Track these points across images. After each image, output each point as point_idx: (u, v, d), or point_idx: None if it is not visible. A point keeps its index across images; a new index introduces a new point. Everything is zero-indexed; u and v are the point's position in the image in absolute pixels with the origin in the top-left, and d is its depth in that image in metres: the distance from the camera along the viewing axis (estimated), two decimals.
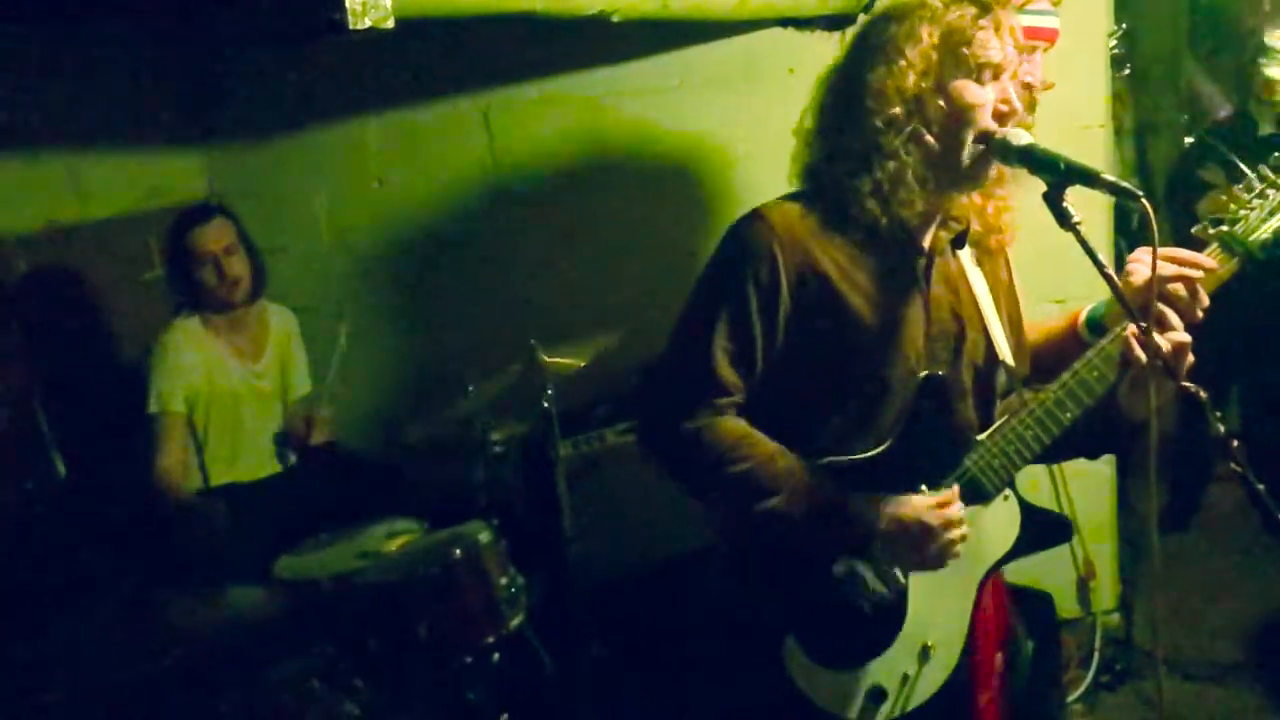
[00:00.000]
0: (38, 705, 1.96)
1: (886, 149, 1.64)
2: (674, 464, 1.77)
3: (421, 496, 3.16)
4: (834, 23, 3.14)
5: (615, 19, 2.68)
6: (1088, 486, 3.30)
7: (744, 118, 3.35)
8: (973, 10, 1.62)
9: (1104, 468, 3.35)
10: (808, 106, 1.77)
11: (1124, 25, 4.45)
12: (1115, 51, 3.91)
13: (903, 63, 1.62)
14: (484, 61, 3.47)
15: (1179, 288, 1.69)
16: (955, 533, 1.69)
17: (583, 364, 2.68)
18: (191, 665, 2.16)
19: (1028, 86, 2.25)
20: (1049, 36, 2.38)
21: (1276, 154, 1.75)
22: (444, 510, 2.85)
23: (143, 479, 2.91)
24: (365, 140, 3.66)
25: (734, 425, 1.72)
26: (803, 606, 1.75)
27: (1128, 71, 4.91)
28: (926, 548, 1.69)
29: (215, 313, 3.07)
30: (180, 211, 3.13)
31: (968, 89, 1.63)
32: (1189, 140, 4.86)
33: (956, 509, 1.70)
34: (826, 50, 3.16)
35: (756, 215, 1.71)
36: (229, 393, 3.06)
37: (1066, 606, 3.34)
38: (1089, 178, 1.54)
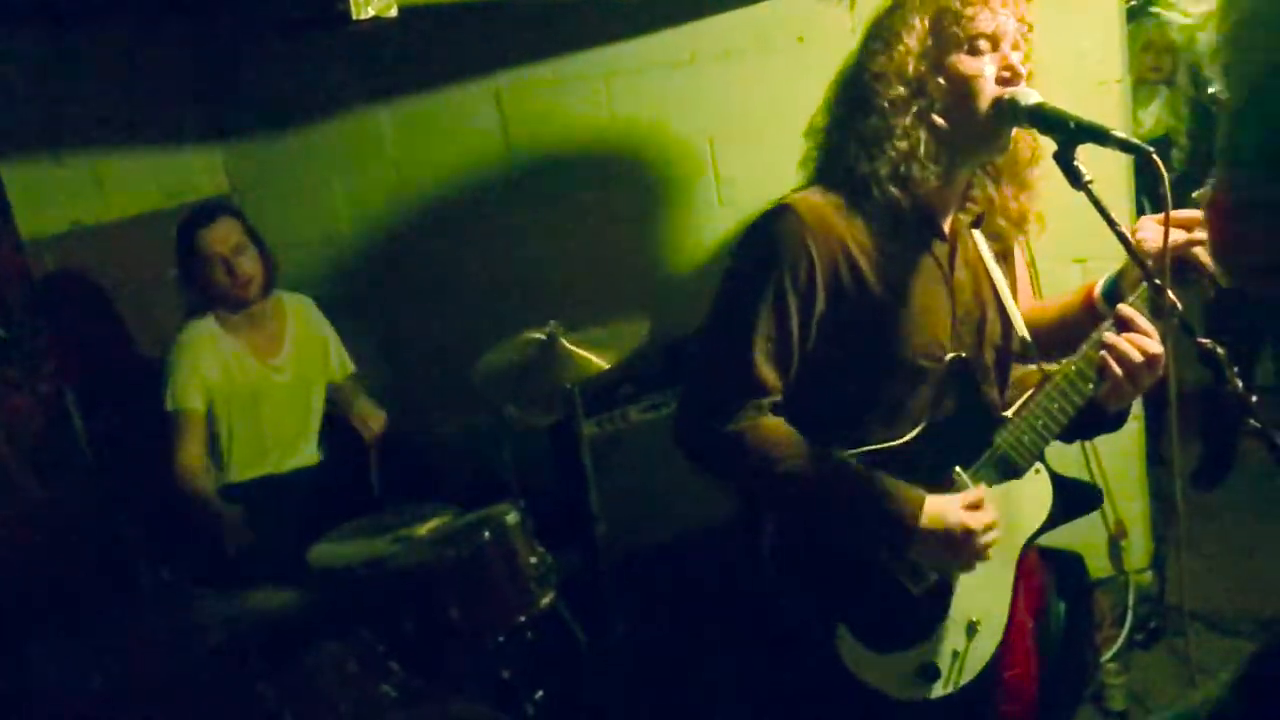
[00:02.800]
0: (78, 696, 2.01)
1: (896, 130, 1.66)
2: (715, 466, 1.78)
3: (451, 480, 3.20)
4: None
5: None
6: (1116, 446, 3.28)
7: (757, 89, 3.34)
8: None
9: (1132, 424, 3.33)
10: (819, 108, 1.79)
11: None
12: (1131, 3, 3.85)
13: (900, 48, 1.66)
14: (494, 43, 3.48)
15: (1197, 252, 1.69)
16: (989, 536, 1.72)
17: (607, 367, 2.66)
18: (228, 652, 2.20)
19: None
20: None
21: None
22: (473, 493, 2.89)
23: (165, 475, 2.96)
24: (379, 128, 3.69)
25: (774, 425, 1.73)
26: (852, 596, 1.77)
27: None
28: (962, 550, 1.71)
29: (229, 312, 3.08)
30: (185, 213, 3.12)
31: (963, 63, 1.64)
32: None
33: (989, 512, 1.73)
34: (834, 17, 3.14)
35: (786, 209, 1.71)
36: (248, 389, 3.08)
37: (1099, 566, 3.33)
38: (1099, 135, 1.53)
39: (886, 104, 1.65)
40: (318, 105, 3.69)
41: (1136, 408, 3.26)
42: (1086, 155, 1.58)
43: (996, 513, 1.74)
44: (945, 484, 1.76)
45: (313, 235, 3.76)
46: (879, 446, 1.75)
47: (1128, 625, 3.25)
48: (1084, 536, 3.25)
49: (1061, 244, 2.98)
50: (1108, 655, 3.15)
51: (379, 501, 2.99)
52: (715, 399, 1.73)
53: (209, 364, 3.01)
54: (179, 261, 3.07)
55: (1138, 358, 1.67)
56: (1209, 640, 3.17)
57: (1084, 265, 3.07)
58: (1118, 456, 3.31)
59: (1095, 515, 3.34)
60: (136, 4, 3.15)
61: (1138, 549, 3.40)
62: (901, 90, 1.65)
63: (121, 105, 3.38)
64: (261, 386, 3.11)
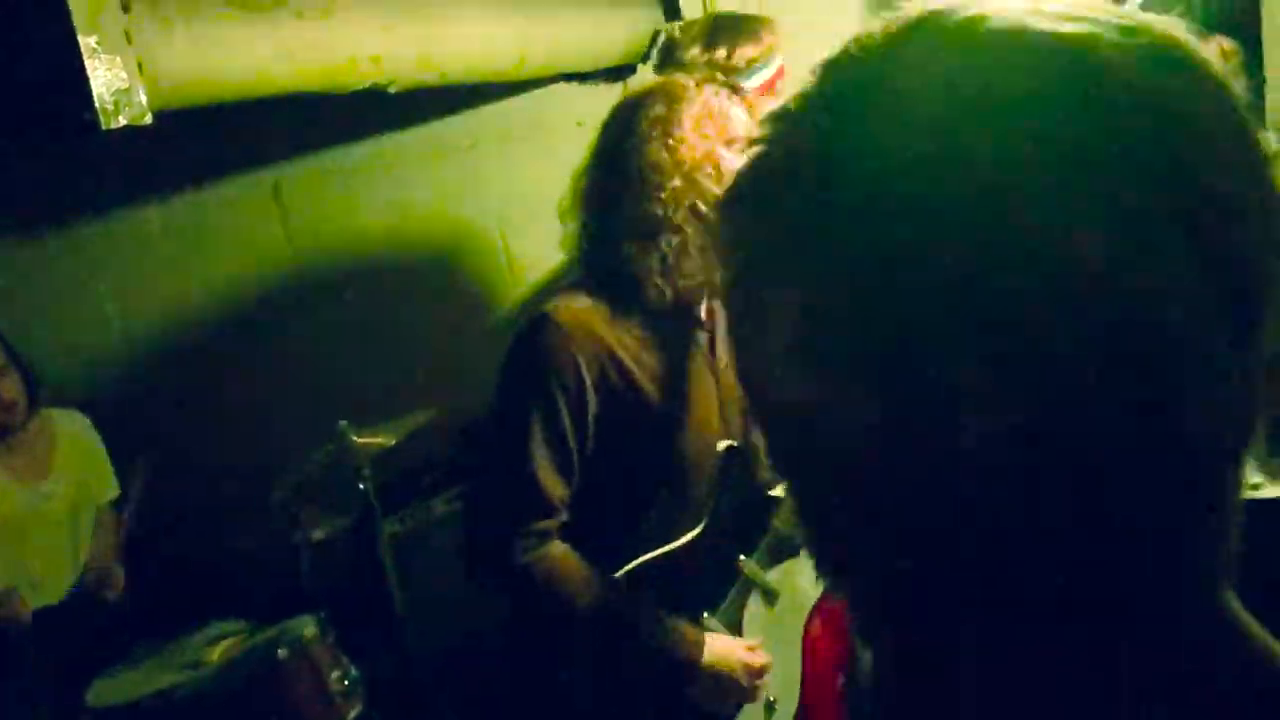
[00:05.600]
0: None
1: (672, 223, 1.68)
2: (504, 596, 1.77)
3: (246, 595, 3.03)
4: (614, 75, 3.23)
5: (392, 89, 2.68)
6: None
7: (538, 173, 3.39)
8: (726, 91, 1.75)
9: None
10: (571, 195, 1.80)
11: None
12: None
13: (676, 136, 1.69)
14: (269, 137, 3.38)
15: None
16: (763, 679, 1.77)
17: (393, 443, 2.61)
18: None
19: None
20: (772, 83, 2.51)
21: None
22: (272, 608, 2.74)
23: None
24: (148, 228, 3.50)
25: (563, 556, 1.71)
26: (653, 700, 1.76)
27: None
28: (736, 691, 1.76)
29: None
30: None
31: (726, 159, 1.70)
32: None
33: (763, 656, 1.78)
34: (610, 103, 3.24)
35: (545, 319, 1.71)
36: (13, 520, 2.82)
37: None
38: None
39: (664, 196, 1.67)
40: (77, 207, 3.48)
41: None
42: None
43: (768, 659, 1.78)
44: (733, 578, 1.82)
45: (80, 343, 3.52)
46: (665, 550, 1.76)
47: None
48: None
49: None
50: None
51: (166, 627, 2.78)
52: (501, 524, 1.70)
53: None
54: None
55: None
56: None
57: None
58: None
59: None
60: None
61: None
62: (678, 182, 1.68)
63: None
64: (28, 516, 2.85)
